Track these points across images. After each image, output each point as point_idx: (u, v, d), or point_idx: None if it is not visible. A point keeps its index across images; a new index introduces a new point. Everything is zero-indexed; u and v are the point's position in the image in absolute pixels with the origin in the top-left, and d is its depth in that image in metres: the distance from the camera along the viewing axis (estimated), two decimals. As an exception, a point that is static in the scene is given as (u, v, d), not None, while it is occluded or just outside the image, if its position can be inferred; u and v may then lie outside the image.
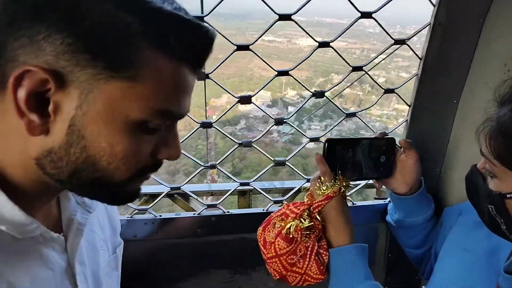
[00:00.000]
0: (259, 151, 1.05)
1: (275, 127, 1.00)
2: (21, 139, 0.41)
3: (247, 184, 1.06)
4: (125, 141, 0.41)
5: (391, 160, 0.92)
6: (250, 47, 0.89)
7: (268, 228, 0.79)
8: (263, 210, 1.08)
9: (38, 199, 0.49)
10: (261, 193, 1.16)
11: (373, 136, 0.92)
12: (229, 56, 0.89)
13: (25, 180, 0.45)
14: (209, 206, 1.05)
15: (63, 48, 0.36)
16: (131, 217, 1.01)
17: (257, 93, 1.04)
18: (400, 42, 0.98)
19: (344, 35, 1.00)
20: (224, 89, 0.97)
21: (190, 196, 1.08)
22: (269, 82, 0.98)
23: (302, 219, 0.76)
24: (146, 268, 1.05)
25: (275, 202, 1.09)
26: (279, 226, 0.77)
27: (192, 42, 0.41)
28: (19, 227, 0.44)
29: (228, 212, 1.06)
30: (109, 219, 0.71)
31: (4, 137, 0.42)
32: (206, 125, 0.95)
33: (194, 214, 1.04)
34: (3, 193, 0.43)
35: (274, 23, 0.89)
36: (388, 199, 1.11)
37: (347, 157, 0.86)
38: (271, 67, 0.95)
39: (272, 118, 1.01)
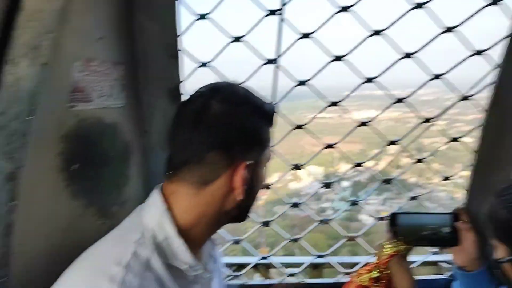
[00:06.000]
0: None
1: (328, 204, 1.19)
2: (219, 204, 0.66)
3: (321, 256, 1.35)
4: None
5: (455, 231, 0.97)
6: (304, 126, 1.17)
7: (348, 284, 1.00)
8: (335, 280, 1.35)
9: (199, 249, 0.71)
10: (333, 267, 1.38)
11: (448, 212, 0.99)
12: (287, 135, 1.19)
13: (201, 236, 0.69)
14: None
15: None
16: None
17: (308, 162, 1.29)
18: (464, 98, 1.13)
19: (398, 105, 1.11)
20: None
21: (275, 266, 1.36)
22: (317, 154, 1.26)
23: (372, 273, 0.97)
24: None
25: (345, 273, 1.33)
26: (355, 281, 0.98)
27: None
28: (191, 268, 0.66)
29: (303, 281, 1.32)
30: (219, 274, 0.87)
31: (203, 210, 0.66)
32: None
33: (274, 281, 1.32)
34: (185, 245, 0.64)
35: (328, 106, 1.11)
36: (450, 274, 1.26)
37: (411, 226, 0.98)
38: (319, 141, 1.19)
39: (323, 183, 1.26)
